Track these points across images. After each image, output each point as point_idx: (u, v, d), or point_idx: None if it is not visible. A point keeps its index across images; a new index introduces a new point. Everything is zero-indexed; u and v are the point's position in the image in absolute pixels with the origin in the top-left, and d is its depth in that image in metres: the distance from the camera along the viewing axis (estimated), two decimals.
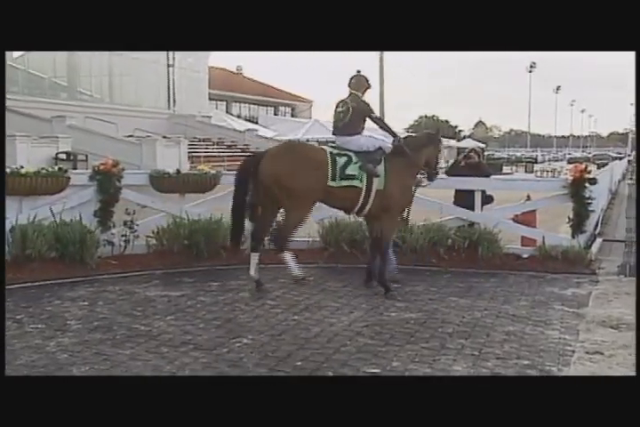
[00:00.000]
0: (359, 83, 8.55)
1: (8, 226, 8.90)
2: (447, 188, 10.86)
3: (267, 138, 33.42)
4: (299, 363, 5.55)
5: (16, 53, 29.17)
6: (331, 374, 5.31)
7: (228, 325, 6.69)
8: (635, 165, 37.43)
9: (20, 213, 9.11)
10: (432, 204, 10.51)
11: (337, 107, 8.49)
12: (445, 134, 65.01)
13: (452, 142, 64.69)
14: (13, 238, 8.81)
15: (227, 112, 45.81)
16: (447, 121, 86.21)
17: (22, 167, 9.31)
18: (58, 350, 5.86)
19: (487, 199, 10.68)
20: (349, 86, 8.54)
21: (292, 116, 56.44)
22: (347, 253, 9.83)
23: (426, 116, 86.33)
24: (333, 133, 8.59)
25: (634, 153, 54.25)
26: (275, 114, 55.15)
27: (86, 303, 7.48)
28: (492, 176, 11.33)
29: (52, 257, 8.97)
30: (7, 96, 23.25)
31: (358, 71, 8.90)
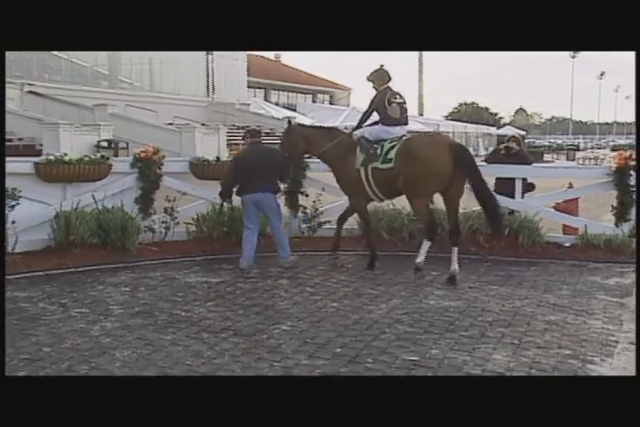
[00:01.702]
0: (388, 77, 8.89)
1: (52, 213, 9.05)
2: (487, 175, 10.73)
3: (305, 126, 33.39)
4: (338, 350, 5.58)
5: None
6: (370, 360, 5.33)
7: (267, 311, 6.74)
8: None
9: (63, 200, 9.26)
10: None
11: (396, 98, 8.73)
12: (485, 121, 64.39)
13: (492, 130, 63.99)
14: (57, 225, 8.95)
15: (265, 100, 45.78)
16: (487, 108, 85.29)
17: (66, 155, 9.43)
18: (101, 335, 5.96)
19: (528, 187, 10.58)
20: (382, 80, 8.81)
21: (331, 103, 56.29)
22: (385, 241, 9.83)
23: (465, 104, 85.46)
24: (401, 124, 8.81)
25: None
26: (313, 101, 55.00)
27: (128, 289, 7.59)
28: (533, 164, 11.18)
29: (95, 243, 9.13)
30: (51, 85, 23.64)
31: (382, 66, 9.10)
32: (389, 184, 8.52)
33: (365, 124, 9.04)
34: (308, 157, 9.84)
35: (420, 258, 8.40)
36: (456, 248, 8.21)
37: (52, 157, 9.34)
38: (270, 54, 56.55)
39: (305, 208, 10.45)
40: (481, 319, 6.48)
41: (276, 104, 44.64)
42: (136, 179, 9.76)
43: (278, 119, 32.89)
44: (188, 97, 32.33)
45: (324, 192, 10.38)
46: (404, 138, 8.62)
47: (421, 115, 58.28)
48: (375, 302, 7.06)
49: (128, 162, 9.87)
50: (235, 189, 8.76)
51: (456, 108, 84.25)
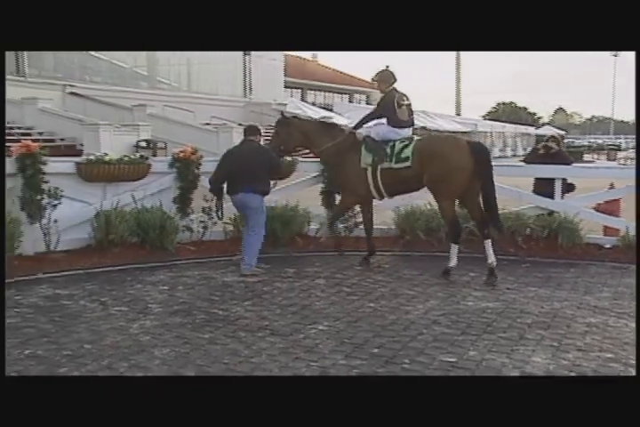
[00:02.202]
0: (393, 78, 8.91)
1: (93, 212, 9.16)
2: (526, 176, 10.70)
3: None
4: (375, 350, 5.57)
5: None
6: (407, 361, 5.31)
7: (304, 311, 6.75)
8: None
9: (103, 199, 9.36)
10: (510, 192, 10.37)
11: (403, 100, 8.75)
12: (524, 121, 63.69)
13: (531, 130, 63.30)
14: (98, 224, 9.06)
15: (302, 100, 45.86)
16: (526, 108, 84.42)
17: (106, 155, 9.54)
18: (140, 333, 6.02)
19: (568, 187, 10.46)
20: (388, 82, 8.82)
21: (367, 103, 56.05)
22: (422, 241, 9.80)
23: (504, 103, 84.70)
24: (409, 125, 8.84)
25: None
26: (349, 101, 54.89)
27: (166, 288, 7.65)
28: (573, 164, 11.06)
29: (134, 242, 9.23)
30: (91, 86, 23.90)
31: (387, 66, 9.16)
32: (400, 183, 8.60)
33: (367, 124, 9.11)
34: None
35: (452, 262, 8.39)
36: (489, 241, 8.21)
37: (92, 157, 9.46)
38: (307, 54, 56.65)
39: None
40: (520, 321, 6.43)
41: (313, 104, 44.69)
42: (174, 179, 9.85)
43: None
44: (225, 97, 32.52)
45: None
46: (416, 138, 8.72)
47: (459, 115, 57.90)
48: (412, 303, 7.03)
49: (166, 162, 9.96)
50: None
51: (494, 108, 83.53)
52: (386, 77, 8.89)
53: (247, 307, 6.86)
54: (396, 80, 8.85)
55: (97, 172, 9.25)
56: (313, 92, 52.79)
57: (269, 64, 36.22)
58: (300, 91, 49.92)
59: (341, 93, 56.10)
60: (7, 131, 17.44)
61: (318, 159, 9.69)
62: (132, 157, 9.80)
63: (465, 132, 46.66)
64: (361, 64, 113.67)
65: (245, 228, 8.58)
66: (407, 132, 8.76)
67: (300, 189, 10.53)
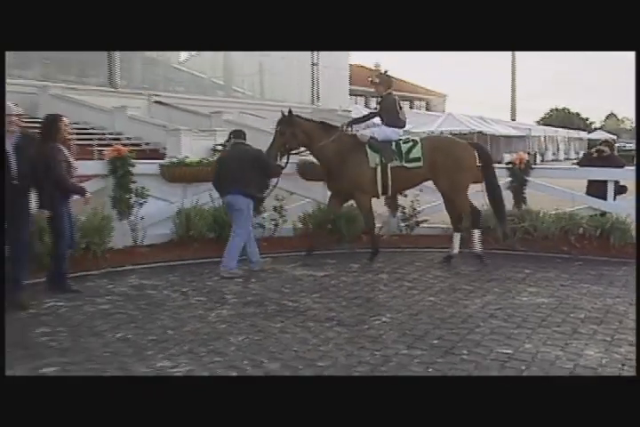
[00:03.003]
0: (392, 82, 9.09)
1: (175, 210, 9.30)
2: (579, 178, 10.49)
3: (403, 130, 33.17)
4: (435, 341, 5.51)
5: (182, 57, 30.33)
6: (465, 352, 5.24)
7: (368, 303, 6.73)
8: None
9: (184, 198, 9.50)
10: (564, 193, 10.19)
11: (401, 103, 9.06)
12: (576, 126, 62.18)
13: (583, 134, 61.80)
14: (179, 221, 9.20)
15: (365, 106, 45.70)
16: (578, 113, 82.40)
17: (187, 157, 9.68)
18: (218, 321, 6.09)
19: (620, 189, 10.18)
20: (388, 85, 8.93)
21: (427, 109, 55.60)
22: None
23: (557, 109, 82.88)
24: (404, 126, 9.11)
25: None
26: (410, 108, 54.39)
27: (241, 280, 7.72)
28: (625, 167, 10.77)
29: (211, 238, 9.32)
30: (174, 95, 24.25)
31: (386, 71, 9.23)
32: (407, 181, 8.78)
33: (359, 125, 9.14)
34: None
35: (478, 247, 8.67)
36: (477, 231, 8.73)
37: (174, 160, 9.61)
38: (370, 64, 56.46)
39: (403, 208, 10.39)
40: (573, 316, 6.28)
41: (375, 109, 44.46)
42: None
43: (377, 124, 32.81)
44: (294, 104, 32.54)
45: (421, 193, 10.28)
46: (421, 138, 8.99)
47: (513, 120, 56.86)
48: (470, 298, 6.94)
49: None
50: None
51: (547, 114, 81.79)
52: (387, 81, 8.98)
53: (315, 299, 6.87)
54: (393, 84, 8.99)
55: (178, 173, 9.39)
56: (375, 98, 52.58)
57: (336, 73, 36.17)
58: (363, 98, 49.75)
59: (402, 100, 55.76)
60: (100, 136, 17.85)
61: None
62: (210, 159, 9.90)
63: (520, 137, 45.90)
64: (420, 72, 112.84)
65: (232, 230, 8.20)
66: (401, 132, 8.97)
67: None
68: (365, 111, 39.04)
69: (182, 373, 4.79)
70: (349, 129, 9.04)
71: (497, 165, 11.86)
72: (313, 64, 35.07)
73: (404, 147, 8.68)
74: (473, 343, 5.47)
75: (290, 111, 8.81)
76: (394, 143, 8.71)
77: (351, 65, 40.05)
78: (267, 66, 31.52)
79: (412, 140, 8.83)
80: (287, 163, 8.89)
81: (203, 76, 29.09)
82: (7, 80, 21.14)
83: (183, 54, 31.03)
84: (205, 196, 9.51)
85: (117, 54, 23.20)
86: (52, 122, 7.12)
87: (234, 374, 4.77)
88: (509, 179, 10.27)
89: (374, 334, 5.70)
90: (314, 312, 6.37)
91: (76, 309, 6.50)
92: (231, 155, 8.26)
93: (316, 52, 34.18)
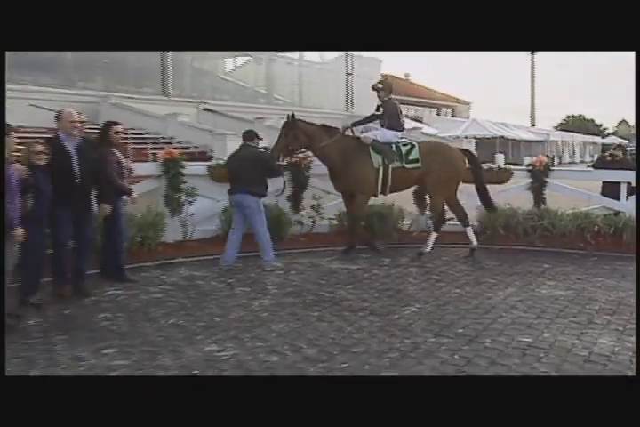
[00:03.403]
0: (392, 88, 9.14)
1: (221, 208, 9.34)
2: (595, 180, 10.37)
3: (430, 135, 32.94)
4: (460, 330, 5.48)
5: (227, 68, 30.49)
6: (489, 340, 5.19)
7: (398, 295, 6.70)
8: None
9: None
10: (580, 194, 10.09)
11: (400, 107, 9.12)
12: (591, 132, 61.25)
13: (597, 139, 60.77)
14: (225, 217, 9.23)
15: None
16: (592, 120, 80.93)
17: None
18: (260, 309, 6.12)
19: (633, 190, 10.01)
20: (390, 91, 8.97)
21: (453, 115, 55.12)
22: (502, 236, 9.57)
23: (573, 116, 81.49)
24: (403, 130, 9.10)
25: None
26: (437, 114, 53.99)
27: (281, 272, 7.73)
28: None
29: (253, 233, 9.28)
30: (220, 103, 24.38)
31: (386, 78, 9.33)
32: (405, 181, 8.79)
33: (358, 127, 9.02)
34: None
35: (428, 248, 8.66)
36: (470, 227, 8.89)
37: (221, 162, 9.64)
38: (400, 73, 56.14)
39: None
40: (588, 307, 6.20)
41: (406, 116, 44.23)
42: (288, 180, 9.92)
43: (407, 129, 32.67)
44: (330, 110, 32.54)
45: None
46: (418, 142, 9.02)
47: (533, 125, 56.12)
48: (493, 290, 6.88)
49: (282, 166, 10.01)
50: None
51: (564, 120, 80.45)
52: (389, 87, 8.98)
53: (350, 290, 6.86)
54: (393, 90, 9.10)
55: (224, 174, 9.39)
56: (405, 106, 52.20)
57: (368, 82, 36.13)
58: None
59: (430, 107, 55.30)
60: (154, 140, 18.04)
61: None
62: None
63: (539, 141, 45.30)
64: (447, 81, 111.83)
65: (232, 226, 8.13)
66: (400, 135, 8.97)
67: None
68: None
69: (228, 356, 4.83)
70: (351, 131, 8.93)
71: (518, 167, 11.82)
72: (347, 74, 35.04)
73: (404, 149, 8.68)
74: (496, 332, 5.42)
75: (293, 115, 8.72)
76: (394, 145, 8.67)
77: (383, 75, 39.95)
78: (305, 76, 31.59)
79: (410, 143, 8.86)
80: (289, 162, 9.06)
81: (246, 86, 29.25)
82: (74, 91, 21.68)
83: (229, 65, 31.22)
84: None
85: (170, 66, 23.42)
86: (107, 128, 7.22)
87: (275, 358, 4.79)
88: (530, 180, 10.16)
89: (404, 323, 5.68)
90: (348, 302, 6.36)
91: (133, 297, 6.59)
92: (237, 156, 8.16)
93: (350, 63, 34.14)
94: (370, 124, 9.18)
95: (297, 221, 9.77)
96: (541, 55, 38.56)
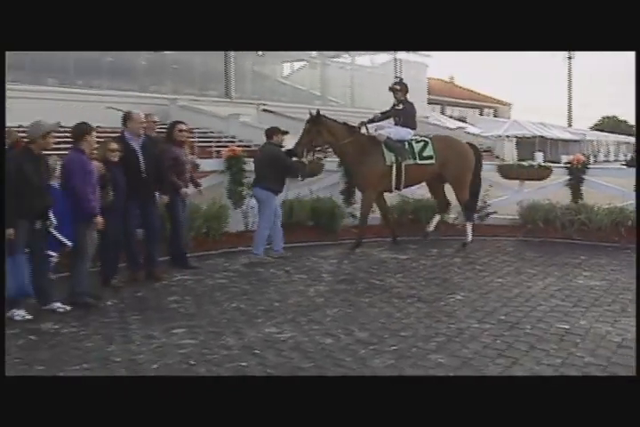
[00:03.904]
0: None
1: (279, 201, 9.32)
2: (629, 177, 10.03)
3: (474, 134, 32.44)
4: (502, 317, 5.38)
5: (285, 72, 30.60)
6: (529, 327, 5.09)
7: (444, 283, 6.62)
8: None
9: (287, 190, 9.50)
10: (615, 190, 9.87)
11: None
12: (625, 132, 59.54)
13: (630, 139, 58.90)
14: (283, 210, 9.21)
15: (441, 113, 44.92)
16: (625, 121, 78.42)
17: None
18: (315, 295, 6.12)
19: None
20: (407, 91, 8.79)
21: (495, 116, 54.15)
22: (541, 229, 9.36)
23: (607, 117, 79.04)
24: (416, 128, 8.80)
25: None
26: (480, 115, 53.10)
27: (335, 261, 7.72)
28: None
29: (310, 225, 9.32)
30: (278, 104, 24.49)
31: (401, 79, 9.15)
32: (419, 177, 8.57)
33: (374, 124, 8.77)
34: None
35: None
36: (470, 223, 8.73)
37: None
38: (445, 76, 55.45)
39: None
40: (622, 297, 6.01)
41: (450, 117, 43.64)
42: (342, 175, 9.90)
43: (451, 129, 32.26)
44: (380, 111, 32.43)
45: (491, 188, 10.03)
46: (430, 137, 8.77)
47: (570, 126, 54.63)
48: (533, 280, 6.73)
49: (336, 162, 9.98)
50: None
51: (599, 121, 78.08)
52: (405, 88, 8.74)
53: (399, 278, 6.81)
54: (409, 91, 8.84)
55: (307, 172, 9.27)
56: (450, 107, 51.56)
57: (415, 85, 35.66)
58: (439, 106, 48.91)
59: (473, 108, 54.44)
60: (217, 139, 18.25)
61: None
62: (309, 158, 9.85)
63: (576, 141, 44.15)
64: (489, 84, 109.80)
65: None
66: (413, 132, 8.73)
67: None
68: (441, 117, 38.43)
69: (286, 338, 4.85)
70: (365, 128, 8.62)
71: (556, 164, 11.55)
72: (396, 77, 34.70)
73: (417, 146, 8.47)
74: (535, 319, 5.32)
75: (318, 111, 8.32)
76: (406, 143, 8.47)
77: (429, 78, 39.47)
78: (357, 79, 31.47)
79: (423, 139, 8.63)
80: (314, 159, 8.44)
81: (302, 88, 29.33)
82: (146, 95, 22.07)
83: (286, 70, 31.33)
84: (305, 189, 9.53)
85: (232, 70, 23.61)
86: (172, 127, 7.29)
87: (329, 340, 4.79)
88: (568, 177, 9.92)
89: (449, 310, 5.61)
90: (397, 290, 6.31)
91: (199, 282, 6.67)
92: (258, 154, 8.09)
93: (398, 67, 33.86)
94: (381, 123, 8.97)
95: (349, 214, 9.72)
96: (579, 56, 37.43)
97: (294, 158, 7.91)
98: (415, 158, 8.42)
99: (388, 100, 9.49)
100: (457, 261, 7.68)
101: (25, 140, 5.70)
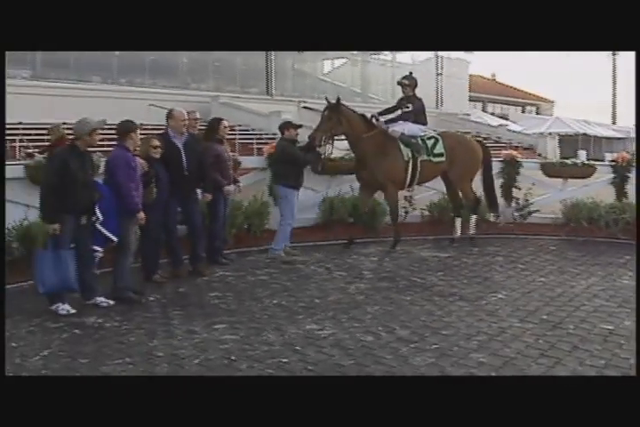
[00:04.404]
0: None
1: (320, 198, 9.32)
2: None
3: (515, 132, 31.92)
4: (544, 317, 5.29)
5: (325, 69, 30.59)
6: (572, 327, 5.00)
7: (486, 282, 6.54)
8: None
9: (328, 188, 9.52)
10: None
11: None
12: None
13: None
14: (324, 207, 9.24)
15: (483, 111, 44.32)
16: None
17: (331, 154, 9.60)
18: (356, 293, 6.11)
19: None
20: (415, 86, 8.62)
21: (537, 113, 53.18)
22: (585, 228, 9.16)
23: None
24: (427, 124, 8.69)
25: None
26: (522, 112, 52.23)
27: (376, 258, 7.68)
28: None
29: (351, 222, 9.27)
30: (318, 101, 24.44)
31: (411, 73, 8.88)
32: (431, 174, 8.47)
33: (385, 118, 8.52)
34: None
35: (472, 231, 8.61)
36: (474, 216, 8.70)
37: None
38: (487, 74, 54.68)
39: (518, 199, 9.98)
40: None
41: (492, 114, 43.04)
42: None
43: (493, 126, 31.79)
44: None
45: (533, 186, 9.86)
46: (439, 134, 8.71)
47: (614, 123, 53.31)
48: (576, 279, 6.61)
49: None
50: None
51: None
52: (414, 83, 8.57)
53: (440, 276, 6.75)
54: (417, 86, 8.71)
55: (328, 167, 9.27)
56: (492, 104, 50.84)
57: (457, 82, 35.28)
58: (481, 103, 48.22)
59: (515, 105, 53.59)
60: (258, 136, 18.34)
61: None
62: (347, 157, 9.81)
63: (620, 139, 43.06)
64: (531, 81, 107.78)
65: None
66: (424, 128, 8.64)
67: None
68: (482, 115, 37.86)
69: (327, 335, 4.85)
70: (375, 120, 8.33)
71: (600, 162, 11.28)
72: (437, 74, 34.44)
73: (429, 143, 8.38)
74: (578, 319, 5.23)
75: (338, 99, 7.98)
76: (419, 139, 8.35)
77: (471, 75, 38.98)
78: (398, 76, 31.23)
79: (433, 136, 8.54)
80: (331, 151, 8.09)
81: (343, 85, 29.28)
82: (188, 92, 22.35)
83: (327, 67, 31.31)
84: (346, 186, 9.49)
85: (273, 68, 23.71)
86: (212, 124, 7.33)
87: (370, 338, 4.77)
88: (612, 175, 9.70)
89: (491, 309, 5.54)
90: (439, 288, 6.26)
91: (241, 278, 6.71)
92: (274, 151, 8.05)
93: (439, 64, 33.53)
94: (392, 118, 8.71)
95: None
96: (624, 55, 36.38)
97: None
98: (429, 155, 8.34)
99: (429, 97, 9.40)
100: (499, 260, 7.57)
101: (71, 136, 5.81)
